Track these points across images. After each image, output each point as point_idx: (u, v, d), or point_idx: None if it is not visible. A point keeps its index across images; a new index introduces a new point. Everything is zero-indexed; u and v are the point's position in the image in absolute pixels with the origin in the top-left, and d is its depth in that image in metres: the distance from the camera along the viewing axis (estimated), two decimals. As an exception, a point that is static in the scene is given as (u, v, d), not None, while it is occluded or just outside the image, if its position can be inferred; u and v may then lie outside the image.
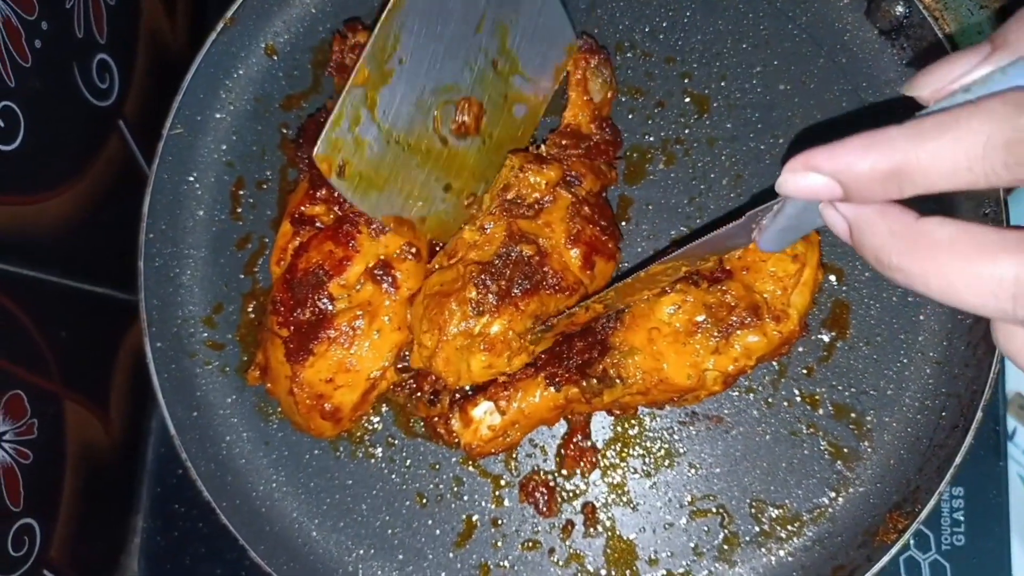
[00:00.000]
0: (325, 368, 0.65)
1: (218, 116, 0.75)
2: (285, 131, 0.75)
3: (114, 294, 0.80)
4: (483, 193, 0.69)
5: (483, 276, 0.63)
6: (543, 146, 0.70)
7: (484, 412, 0.66)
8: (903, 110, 0.72)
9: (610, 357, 0.64)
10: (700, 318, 0.63)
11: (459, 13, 0.63)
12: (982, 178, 0.33)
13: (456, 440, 0.68)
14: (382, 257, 0.66)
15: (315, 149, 0.60)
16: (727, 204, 0.72)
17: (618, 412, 0.69)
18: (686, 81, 0.73)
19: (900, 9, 0.69)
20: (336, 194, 0.66)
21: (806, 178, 0.37)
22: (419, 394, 0.69)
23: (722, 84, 0.73)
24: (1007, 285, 0.32)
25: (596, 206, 0.68)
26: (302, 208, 0.67)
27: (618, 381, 0.64)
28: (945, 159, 0.33)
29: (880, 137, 0.35)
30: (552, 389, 0.66)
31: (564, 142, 0.69)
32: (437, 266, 0.67)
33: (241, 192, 0.75)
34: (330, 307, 0.65)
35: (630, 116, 0.74)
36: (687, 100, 0.73)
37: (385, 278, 0.65)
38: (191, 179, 0.74)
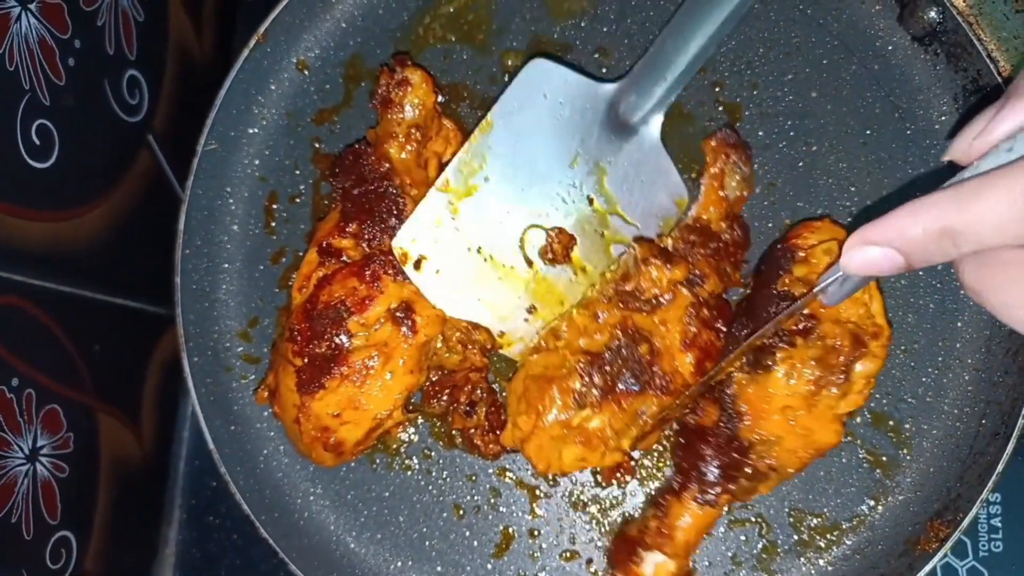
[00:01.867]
0: (334, 403, 0.65)
1: (251, 131, 0.75)
2: (318, 145, 0.75)
3: (144, 307, 0.81)
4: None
5: (590, 368, 0.63)
6: (669, 239, 0.68)
7: (655, 565, 0.65)
8: (938, 117, 0.71)
9: (755, 454, 0.63)
10: (815, 374, 0.61)
11: (551, 147, 0.66)
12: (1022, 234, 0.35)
13: (494, 451, 0.69)
14: (405, 300, 0.66)
15: (394, 240, 0.65)
16: (761, 212, 0.72)
17: (765, 491, 0.67)
18: (717, 90, 0.73)
19: (933, 15, 0.69)
20: (366, 230, 0.67)
21: (865, 252, 0.39)
22: (455, 406, 0.69)
23: (754, 92, 0.73)
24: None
25: (715, 307, 0.66)
26: (331, 239, 0.67)
27: (772, 472, 0.63)
28: (990, 216, 0.35)
29: (926, 202, 0.37)
30: (709, 508, 0.64)
31: (692, 238, 0.67)
32: (543, 343, 0.67)
33: (275, 206, 0.75)
34: (347, 343, 0.65)
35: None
36: (719, 109, 0.73)
37: (405, 321, 0.65)
38: (225, 194, 0.75)
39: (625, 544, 0.67)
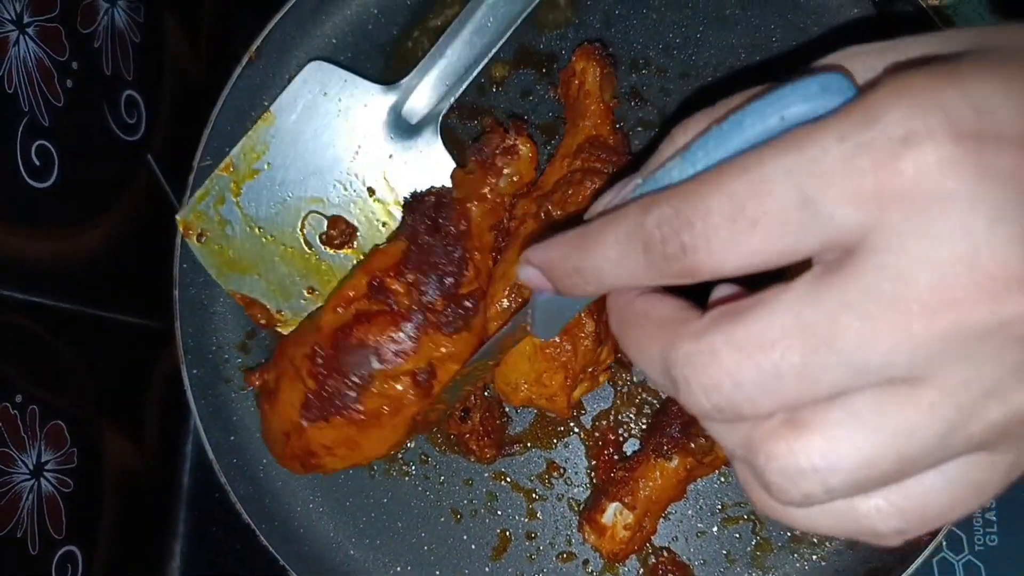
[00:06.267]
0: (331, 437, 0.65)
1: (246, 147, 0.76)
2: (311, 159, 0.77)
3: (146, 323, 0.82)
4: None
5: (593, 305, 0.62)
6: (578, 161, 0.68)
7: (614, 514, 0.66)
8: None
9: None
10: None
11: (332, 141, 0.70)
12: (635, 279, 0.32)
13: (489, 455, 0.69)
14: (432, 362, 0.65)
15: (178, 213, 0.70)
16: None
17: (723, 454, 0.67)
18: (705, 96, 0.75)
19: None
20: (422, 282, 0.65)
21: (526, 269, 0.39)
22: (450, 411, 0.70)
23: (737, 96, 0.74)
24: (655, 363, 0.32)
25: None
26: (385, 278, 0.65)
27: None
28: (603, 261, 0.33)
29: (567, 236, 0.36)
30: (664, 461, 0.65)
31: (602, 155, 0.67)
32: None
33: (270, 220, 0.77)
34: (365, 389, 0.64)
35: (649, 132, 0.75)
36: (704, 114, 0.74)
37: (424, 384, 0.65)
38: (221, 209, 0.76)
39: (594, 495, 0.69)
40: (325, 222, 0.71)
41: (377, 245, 0.70)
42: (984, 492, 0.30)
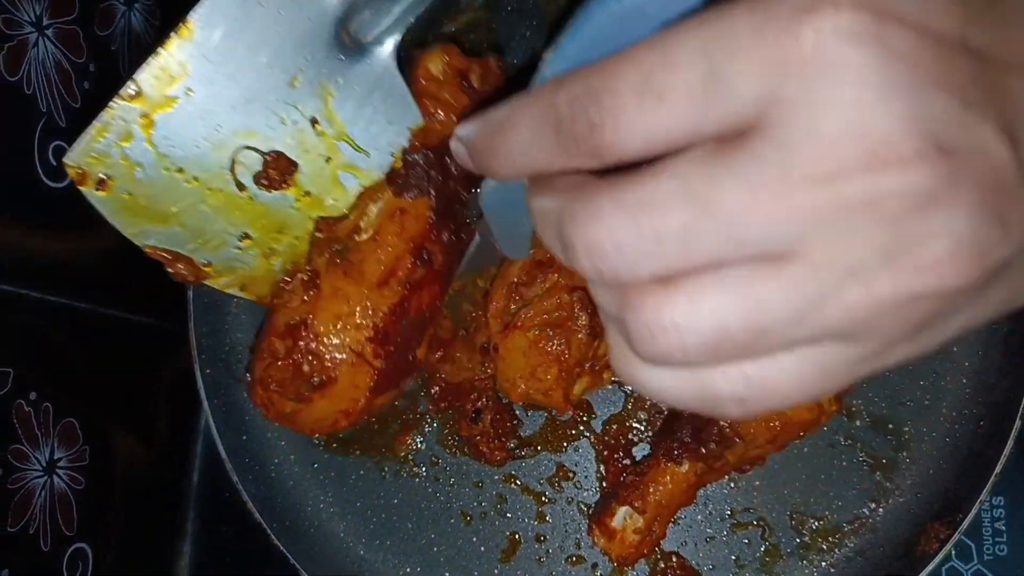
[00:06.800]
0: (390, 396, 0.64)
1: (260, 148, 0.77)
2: (325, 161, 0.77)
3: (157, 323, 0.82)
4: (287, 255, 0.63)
5: (587, 298, 0.62)
6: None
7: (624, 518, 0.66)
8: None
9: (722, 419, 0.63)
10: None
11: (267, 61, 0.57)
12: (548, 162, 0.32)
13: (499, 458, 0.70)
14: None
15: (66, 156, 0.54)
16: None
17: (748, 468, 0.69)
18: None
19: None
20: (450, 240, 0.63)
21: (455, 144, 0.38)
22: (461, 412, 0.71)
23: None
24: (553, 229, 0.31)
25: None
26: (427, 243, 0.62)
27: (737, 440, 0.63)
28: (517, 142, 0.33)
29: (487, 115, 0.35)
30: (675, 466, 0.65)
31: None
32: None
33: (284, 221, 0.77)
34: (421, 343, 0.63)
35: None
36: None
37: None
38: (235, 210, 0.77)
39: (603, 499, 0.70)
40: (259, 159, 0.59)
41: (369, 194, 0.62)
42: (829, 380, 0.30)
